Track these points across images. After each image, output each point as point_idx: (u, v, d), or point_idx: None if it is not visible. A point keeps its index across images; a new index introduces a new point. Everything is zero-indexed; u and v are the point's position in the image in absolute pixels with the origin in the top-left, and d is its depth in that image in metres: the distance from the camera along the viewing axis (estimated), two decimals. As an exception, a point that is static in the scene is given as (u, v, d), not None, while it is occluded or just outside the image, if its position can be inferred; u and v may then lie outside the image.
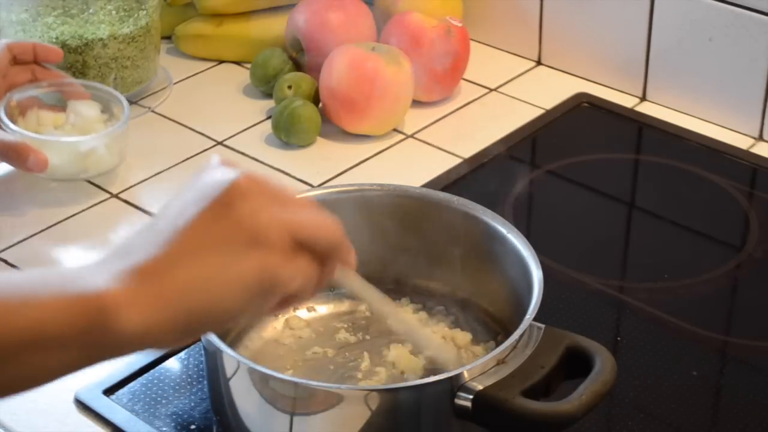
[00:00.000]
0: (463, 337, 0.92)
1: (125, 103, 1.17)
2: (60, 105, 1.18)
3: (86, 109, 1.16)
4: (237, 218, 0.66)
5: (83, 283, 0.62)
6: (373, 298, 0.81)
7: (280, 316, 0.94)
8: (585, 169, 1.20)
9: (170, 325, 0.63)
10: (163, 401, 0.89)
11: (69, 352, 0.62)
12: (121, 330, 0.62)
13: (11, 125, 1.11)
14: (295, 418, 0.80)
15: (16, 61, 1.16)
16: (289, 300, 0.70)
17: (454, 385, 0.78)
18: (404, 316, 0.90)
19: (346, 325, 0.94)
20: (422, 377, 0.87)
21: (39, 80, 1.17)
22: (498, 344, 0.86)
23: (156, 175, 1.18)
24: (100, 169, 1.14)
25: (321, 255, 0.70)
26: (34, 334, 0.61)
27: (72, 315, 0.61)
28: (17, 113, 1.15)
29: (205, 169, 0.68)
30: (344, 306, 0.96)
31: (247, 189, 0.66)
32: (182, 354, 0.94)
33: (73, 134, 1.14)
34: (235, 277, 0.65)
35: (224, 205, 0.66)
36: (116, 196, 1.15)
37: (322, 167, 1.19)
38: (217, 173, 0.67)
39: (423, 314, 0.95)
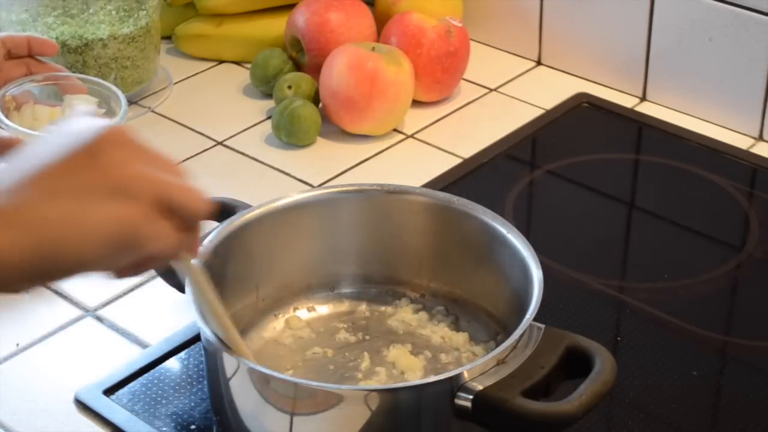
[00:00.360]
0: (463, 337, 0.92)
1: (122, 97, 1.15)
2: (56, 100, 1.17)
3: (83, 104, 1.14)
4: (103, 166, 0.63)
5: None
6: (205, 294, 0.79)
7: (279, 316, 0.94)
8: (585, 169, 1.20)
9: (17, 263, 0.61)
10: (163, 401, 0.89)
11: None
12: None
13: (6, 121, 1.10)
14: (295, 418, 0.80)
15: (10, 55, 1.14)
16: (145, 263, 0.67)
17: (454, 385, 0.78)
18: (229, 332, 0.80)
19: (346, 325, 0.94)
20: (422, 377, 0.88)
21: (34, 74, 1.15)
22: (498, 344, 0.86)
23: (156, 175, 1.17)
24: None
25: (184, 224, 0.67)
26: None
27: None
28: (12, 108, 1.14)
29: (73, 118, 0.66)
30: (344, 306, 0.96)
31: (117, 139, 0.64)
32: (182, 354, 0.94)
33: None
34: (94, 223, 0.63)
35: (91, 151, 0.63)
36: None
37: (322, 167, 1.19)
38: (87, 122, 0.65)
39: (423, 314, 0.95)
